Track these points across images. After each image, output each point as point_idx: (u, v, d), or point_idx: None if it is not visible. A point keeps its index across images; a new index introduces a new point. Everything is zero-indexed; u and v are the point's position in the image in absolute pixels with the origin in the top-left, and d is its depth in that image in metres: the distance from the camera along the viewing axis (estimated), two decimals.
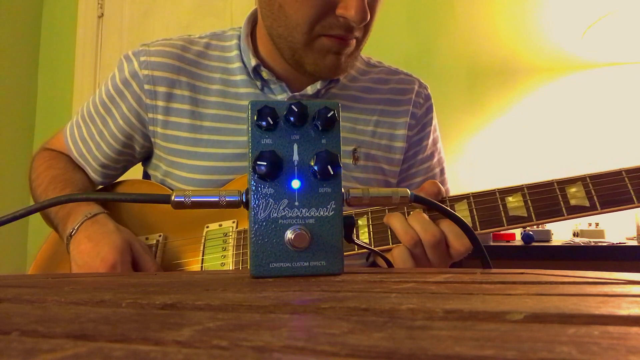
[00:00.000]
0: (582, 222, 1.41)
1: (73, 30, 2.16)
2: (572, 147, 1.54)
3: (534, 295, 0.21)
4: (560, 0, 1.65)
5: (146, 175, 0.84)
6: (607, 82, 1.58)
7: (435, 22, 1.79)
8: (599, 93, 1.58)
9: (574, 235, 1.43)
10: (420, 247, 0.54)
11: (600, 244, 1.27)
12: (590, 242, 1.29)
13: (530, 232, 1.32)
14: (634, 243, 1.30)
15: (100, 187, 0.80)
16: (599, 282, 0.26)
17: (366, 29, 0.65)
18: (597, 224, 1.39)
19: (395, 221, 0.55)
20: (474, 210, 0.57)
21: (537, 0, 1.68)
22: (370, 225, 0.59)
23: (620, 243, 1.27)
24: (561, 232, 1.46)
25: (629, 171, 0.55)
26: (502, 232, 1.40)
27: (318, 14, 0.61)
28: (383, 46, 1.71)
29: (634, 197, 0.54)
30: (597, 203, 0.55)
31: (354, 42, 0.65)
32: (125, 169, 0.80)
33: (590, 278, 0.28)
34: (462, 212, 0.57)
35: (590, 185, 0.55)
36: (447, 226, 0.53)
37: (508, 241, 1.39)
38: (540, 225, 1.40)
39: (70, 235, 0.63)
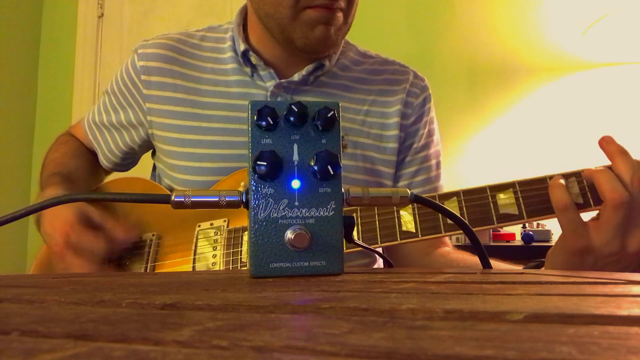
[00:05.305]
0: None
1: (73, 30, 2.16)
2: (572, 147, 1.54)
3: (534, 295, 0.21)
4: (560, 0, 1.65)
5: (154, 168, 0.85)
6: (607, 82, 1.57)
7: (435, 22, 1.79)
8: (599, 93, 1.58)
9: None
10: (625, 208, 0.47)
11: None
12: None
13: (530, 232, 1.32)
14: None
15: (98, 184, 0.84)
16: (599, 282, 0.26)
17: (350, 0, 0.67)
18: None
19: (601, 176, 0.49)
20: (464, 207, 0.56)
21: (537, 0, 1.68)
22: (360, 224, 0.58)
23: None
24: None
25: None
26: (502, 232, 1.40)
27: None
28: (383, 46, 1.71)
29: None
30: (590, 199, 0.53)
31: (340, 14, 0.66)
32: (130, 158, 0.84)
33: (590, 278, 0.28)
34: (452, 209, 0.55)
35: (584, 181, 0.54)
36: None
37: (508, 241, 1.39)
38: (540, 225, 1.40)
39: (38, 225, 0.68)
